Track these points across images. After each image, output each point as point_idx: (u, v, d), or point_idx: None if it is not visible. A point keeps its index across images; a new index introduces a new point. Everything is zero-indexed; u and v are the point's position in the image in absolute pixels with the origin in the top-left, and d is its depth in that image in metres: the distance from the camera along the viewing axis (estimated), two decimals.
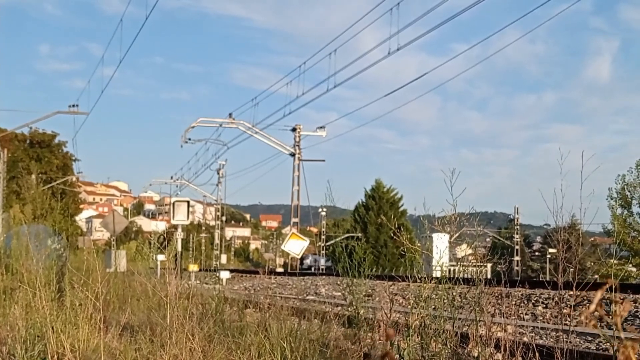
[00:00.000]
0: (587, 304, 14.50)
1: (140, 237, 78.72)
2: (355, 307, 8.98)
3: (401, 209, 74.55)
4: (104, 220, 31.58)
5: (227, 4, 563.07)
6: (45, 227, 18.15)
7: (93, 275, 9.73)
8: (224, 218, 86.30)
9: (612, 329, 1.67)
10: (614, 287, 1.80)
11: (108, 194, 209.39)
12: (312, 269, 64.80)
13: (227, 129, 53.36)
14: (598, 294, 1.56)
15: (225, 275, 33.77)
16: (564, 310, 9.98)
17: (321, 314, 10.16)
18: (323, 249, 68.99)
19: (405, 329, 7.06)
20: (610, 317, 1.61)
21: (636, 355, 1.49)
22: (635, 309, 14.02)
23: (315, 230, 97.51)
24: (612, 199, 56.50)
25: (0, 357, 7.93)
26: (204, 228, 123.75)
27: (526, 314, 15.09)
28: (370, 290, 14.11)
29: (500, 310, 11.86)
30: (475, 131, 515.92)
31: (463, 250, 9.52)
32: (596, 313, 1.56)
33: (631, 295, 15.19)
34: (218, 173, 74.08)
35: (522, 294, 17.07)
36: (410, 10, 34.01)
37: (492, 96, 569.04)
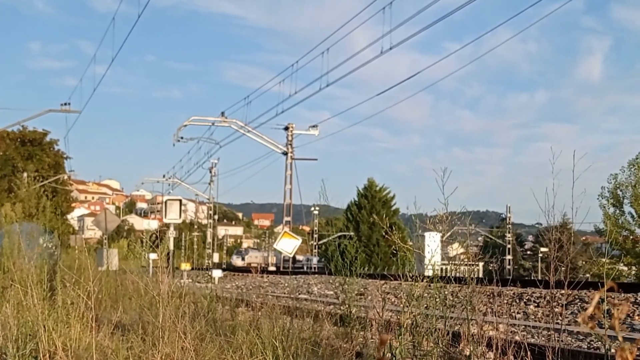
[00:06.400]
0: (579, 303, 14.56)
1: (132, 235, 78.62)
2: (347, 305, 8.99)
3: (393, 207, 74.56)
4: (96, 218, 31.51)
5: (219, 2, 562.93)
6: (37, 225, 18.11)
7: (85, 273, 9.72)
8: (216, 217, 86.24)
9: (604, 328, 1.68)
10: (607, 288, 1.81)
11: (100, 193, 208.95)
12: (305, 267, 64.83)
13: (220, 127, 53.44)
14: (596, 296, 1.55)
15: (217, 273, 33.81)
16: (556, 309, 10.01)
17: (313, 312, 10.17)
18: (315, 248, 68.97)
19: (397, 327, 7.07)
20: (604, 317, 1.61)
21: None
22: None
23: (307, 229, 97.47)
24: (603, 198, 56.65)
25: None
26: (196, 227, 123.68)
27: (518, 312, 15.12)
28: (362, 289, 14.13)
29: (492, 309, 11.89)
30: (467, 130, 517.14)
31: (455, 249, 9.53)
32: (592, 314, 1.56)
33: (622, 294, 15.25)
34: (210, 172, 74.12)
35: (513, 293, 17.11)
36: (402, 9, 34.06)
37: (484, 95, 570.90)
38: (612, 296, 12.75)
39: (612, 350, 7.97)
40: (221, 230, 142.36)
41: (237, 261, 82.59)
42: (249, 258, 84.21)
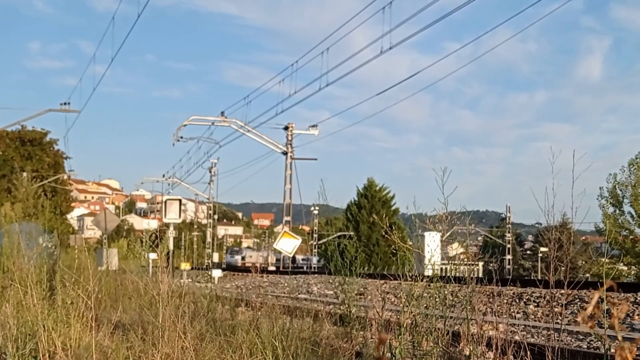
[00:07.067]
0: (579, 303, 14.56)
1: (132, 235, 78.57)
2: (347, 305, 8.99)
3: (393, 207, 74.57)
4: (96, 218, 31.51)
5: (219, 2, 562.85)
6: (37, 225, 18.10)
7: (84, 273, 9.72)
8: (215, 216, 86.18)
9: (603, 327, 1.68)
10: (607, 287, 1.80)
11: (100, 192, 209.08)
12: (305, 267, 64.82)
13: (219, 127, 53.39)
14: (595, 296, 1.55)
15: (217, 273, 33.78)
16: (555, 309, 10.01)
17: (313, 312, 10.17)
18: (315, 248, 69.01)
19: (397, 327, 7.07)
20: (604, 317, 1.61)
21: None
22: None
23: (307, 228, 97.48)
24: (602, 198, 56.67)
25: None
26: (195, 226, 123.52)
27: (518, 312, 15.12)
28: (362, 289, 14.13)
29: (492, 308, 11.89)
30: (467, 130, 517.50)
31: (455, 248, 9.53)
32: (592, 313, 1.56)
33: (622, 294, 15.25)
34: (210, 171, 74.05)
35: (513, 293, 17.11)
36: (402, 9, 34.12)
37: (483, 95, 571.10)
38: (612, 296, 12.73)
39: (612, 350, 7.97)
40: (221, 230, 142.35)
41: (239, 260, 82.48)
42: (247, 258, 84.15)
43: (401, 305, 7.65)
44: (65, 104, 40.28)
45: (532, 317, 14.58)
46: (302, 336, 7.84)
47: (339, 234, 66.50)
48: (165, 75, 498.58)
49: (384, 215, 10.36)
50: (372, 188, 76.19)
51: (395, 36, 39.64)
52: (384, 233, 8.09)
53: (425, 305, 7.19)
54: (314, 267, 61.14)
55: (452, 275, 7.69)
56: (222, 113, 51.88)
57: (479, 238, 63.42)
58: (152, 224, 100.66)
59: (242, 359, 7.32)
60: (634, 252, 54.85)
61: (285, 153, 52.53)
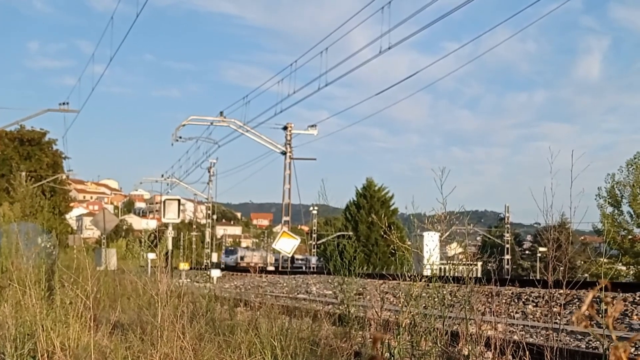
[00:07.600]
0: (578, 303, 14.57)
1: (130, 235, 78.52)
2: (346, 305, 8.98)
3: (392, 207, 74.60)
4: (95, 218, 31.52)
5: (218, 2, 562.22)
6: (35, 225, 18.10)
7: (83, 273, 9.70)
8: (214, 216, 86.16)
9: (602, 327, 1.68)
10: (603, 286, 1.80)
11: (98, 192, 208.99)
12: (304, 267, 64.83)
13: (218, 127, 53.35)
14: (589, 295, 1.56)
15: (216, 273, 33.79)
16: (554, 309, 10.01)
17: (312, 312, 10.16)
18: (314, 248, 68.99)
19: (396, 327, 7.07)
20: (601, 316, 1.61)
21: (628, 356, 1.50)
22: (624, 308, 14.08)
23: (306, 228, 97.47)
24: (601, 197, 56.73)
25: None
26: (194, 226, 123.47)
27: (516, 312, 15.13)
28: (361, 289, 14.12)
29: (491, 308, 11.89)
30: (466, 130, 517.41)
31: (453, 248, 9.53)
32: (586, 313, 1.56)
33: (621, 294, 15.25)
34: (209, 171, 74.00)
35: (512, 293, 17.12)
36: (401, 8, 34.06)
37: (483, 95, 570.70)
38: (610, 295, 12.72)
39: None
40: (220, 230, 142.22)
41: (237, 259, 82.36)
42: (247, 258, 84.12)
43: (400, 305, 7.65)
44: (64, 103, 40.27)
45: (531, 317, 14.59)
46: (301, 336, 7.84)
47: (338, 234, 66.50)
48: (164, 75, 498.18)
49: (382, 215, 10.38)
50: (371, 188, 76.22)
51: (394, 36, 39.66)
52: (382, 233, 8.10)
53: (424, 305, 7.19)
54: (313, 267, 61.17)
55: (451, 275, 7.69)
56: (221, 113, 51.86)
57: (478, 238, 63.49)
58: (150, 224, 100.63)
59: (241, 359, 7.32)
60: (633, 252, 54.90)
61: (284, 153, 52.52)
